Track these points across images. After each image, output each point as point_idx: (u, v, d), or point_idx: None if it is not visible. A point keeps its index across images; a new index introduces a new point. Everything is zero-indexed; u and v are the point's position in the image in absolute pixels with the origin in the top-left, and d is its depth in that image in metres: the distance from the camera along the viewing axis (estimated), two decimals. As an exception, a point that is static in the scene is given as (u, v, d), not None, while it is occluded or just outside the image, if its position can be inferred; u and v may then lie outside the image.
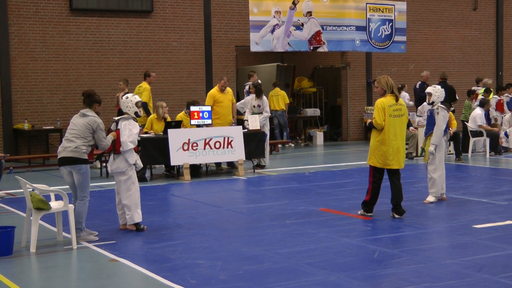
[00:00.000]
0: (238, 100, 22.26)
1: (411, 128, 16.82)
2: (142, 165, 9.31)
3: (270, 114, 16.92)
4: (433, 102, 10.96)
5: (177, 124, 14.58)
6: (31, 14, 18.41)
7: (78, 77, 19.02)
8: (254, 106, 16.87)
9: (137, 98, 9.27)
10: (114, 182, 9.36)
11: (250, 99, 16.71)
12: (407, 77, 24.19)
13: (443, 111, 10.91)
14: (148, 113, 15.61)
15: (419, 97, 19.41)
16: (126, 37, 19.62)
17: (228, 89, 15.94)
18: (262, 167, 15.65)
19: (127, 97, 9.25)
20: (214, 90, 15.73)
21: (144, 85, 16.48)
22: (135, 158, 9.04)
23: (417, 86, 19.91)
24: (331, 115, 25.04)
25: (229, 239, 8.59)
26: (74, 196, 8.69)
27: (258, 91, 16.96)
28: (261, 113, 16.48)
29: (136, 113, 9.17)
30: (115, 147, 9.03)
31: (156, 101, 16.25)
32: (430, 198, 10.89)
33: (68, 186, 8.87)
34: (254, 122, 15.51)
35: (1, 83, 18.01)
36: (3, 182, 13.00)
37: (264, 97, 17.12)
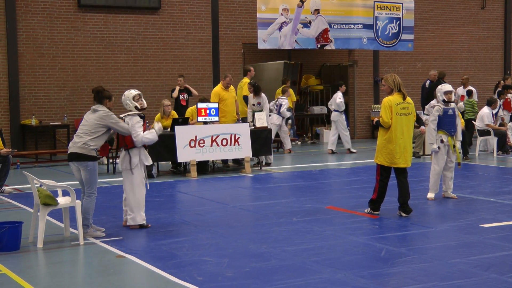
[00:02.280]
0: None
1: (422, 127, 16.57)
2: (151, 162, 9.26)
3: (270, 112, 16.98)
4: (451, 102, 11.05)
5: (184, 121, 14.59)
6: (39, 10, 18.45)
7: (85, 73, 19.06)
8: (253, 104, 16.88)
9: (133, 92, 9.09)
10: (121, 179, 9.36)
11: (337, 96, 18.17)
12: (415, 75, 24.14)
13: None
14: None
15: (427, 95, 19.37)
16: (134, 33, 19.63)
17: (231, 87, 15.93)
18: (268, 164, 15.64)
19: (124, 95, 9.07)
20: (218, 88, 15.69)
21: (245, 80, 17.08)
22: (154, 135, 9.01)
23: (426, 85, 19.86)
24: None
25: (236, 236, 8.59)
26: (83, 191, 8.70)
27: (256, 89, 16.98)
28: (261, 110, 16.49)
29: (136, 107, 9.04)
30: (126, 143, 9.00)
31: (169, 98, 16.52)
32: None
33: (76, 182, 8.88)
34: (261, 120, 15.50)
35: (9, 79, 18.05)
36: (11, 178, 13.03)
37: (263, 95, 17.13)
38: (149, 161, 9.11)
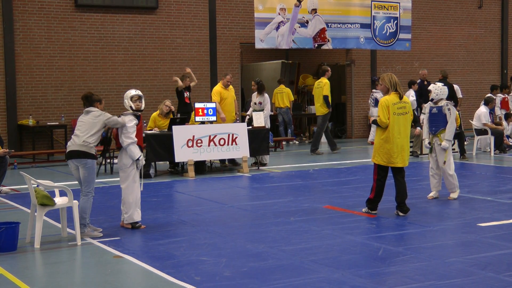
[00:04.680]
0: (242, 96, 22.36)
1: (417, 129, 16.65)
2: (143, 163, 9.20)
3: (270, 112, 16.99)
4: (432, 99, 11.00)
5: (182, 121, 14.58)
6: (36, 10, 18.42)
7: (83, 73, 19.04)
8: (255, 103, 16.84)
9: (132, 92, 9.11)
10: (118, 179, 9.35)
11: (410, 94, 18.15)
12: (412, 74, 24.10)
13: (453, 107, 11.02)
14: (329, 106, 17.69)
15: (419, 94, 19.29)
16: (131, 33, 19.62)
17: (230, 86, 15.92)
18: (264, 165, 15.61)
19: (126, 93, 9.16)
20: (219, 87, 15.67)
21: (324, 80, 17.78)
22: (138, 154, 8.97)
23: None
24: (335, 112, 24.96)
25: (234, 236, 8.59)
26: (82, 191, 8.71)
27: (260, 88, 16.91)
28: (262, 110, 16.45)
29: (131, 107, 9.04)
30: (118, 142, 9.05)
31: (171, 97, 16.51)
32: (455, 195, 10.97)
33: (73, 182, 8.88)
34: (258, 119, 15.50)
35: (6, 79, 18.03)
36: (8, 178, 13.02)
37: (266, 95, 17.08)
38: (133, 157, 8.95)
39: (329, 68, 18.28)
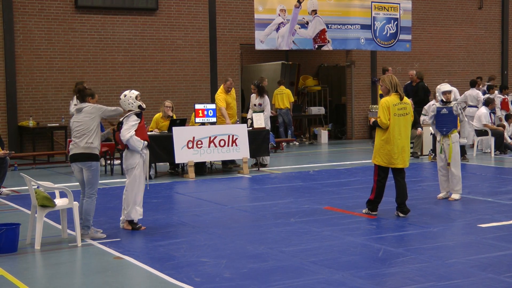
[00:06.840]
0: (242, 98, 22.36)
1: (419, 129, 16.71)
2: (147, 153, 9.22)
3: (270, 113, 16.97)
4: (445, 101, 10.99)
5: (182, 122, 14.57)
6: (36, 12, 18.43)
7: (83, 75, 19.03)
8: (255, 105, 16.82)
9: (135, 92, 9.10)
10: (118, 180, 9.36)
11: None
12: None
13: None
14: None
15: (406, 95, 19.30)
16: (131, 34, 19.62)
17: (232, 89, 15.86)
18: (264, 165, 15.61)
19: (125, 95, 9.11)
20: (222, 94, 15.46)
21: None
22: (139, 145, 8.93)
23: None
24: (335, 113, 25.02)
25: (234, 237, 8.59)
26: (83, 193, 8.69)
27: (260, 90, 16.88)
28: (263, 111, 16.44)
29: (139, 106, 9.06)
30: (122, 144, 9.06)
31: (171, 98, 16.54)
32: (456, 196, 10.94)
33: (74, 183, 8.88)
34: (258, 120, 15.49)
35: (6, 81, 18.03)
36: (8, 179, 13.02)
37: (266, 96, 17.05)
38: (136, 149, 8.95)
39: (389, 68, 18.81)
